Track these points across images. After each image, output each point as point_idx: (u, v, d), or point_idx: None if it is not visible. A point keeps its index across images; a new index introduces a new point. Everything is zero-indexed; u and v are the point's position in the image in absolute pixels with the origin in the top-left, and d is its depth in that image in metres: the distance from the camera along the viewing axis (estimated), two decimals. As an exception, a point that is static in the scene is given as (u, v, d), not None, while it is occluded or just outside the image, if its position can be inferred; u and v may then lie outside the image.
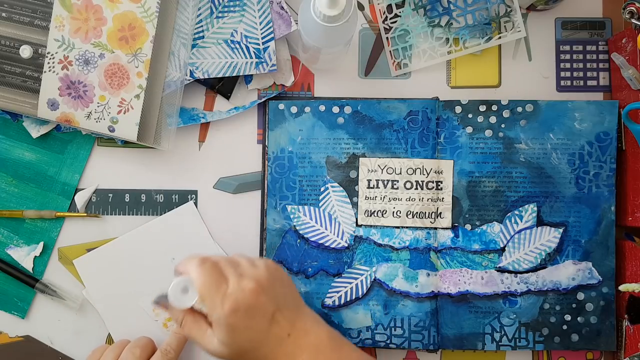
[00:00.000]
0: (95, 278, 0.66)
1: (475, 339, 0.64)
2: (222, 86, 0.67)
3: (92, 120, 0.63)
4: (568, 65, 0.68)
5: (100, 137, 0.67)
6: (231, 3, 0.65)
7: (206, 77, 0.65)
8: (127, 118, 0.63)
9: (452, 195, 0.65)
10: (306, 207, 0.65)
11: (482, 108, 0.65)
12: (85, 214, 0.67)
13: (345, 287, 0.65)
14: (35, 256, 0.66)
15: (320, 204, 0.65)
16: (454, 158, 0.65)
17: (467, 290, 0.64)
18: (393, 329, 0.65)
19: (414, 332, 0.64)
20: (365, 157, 0.65)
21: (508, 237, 0.64)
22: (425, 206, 0.65)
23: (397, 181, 0.65)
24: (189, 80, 0.65)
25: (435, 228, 0.65)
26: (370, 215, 0.65)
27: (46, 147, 0.67)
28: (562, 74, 0.68)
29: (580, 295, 0.64)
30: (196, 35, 0.65)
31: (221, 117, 0.67)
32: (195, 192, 0.67)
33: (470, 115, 0.65)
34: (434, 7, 0.67)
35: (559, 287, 0.64)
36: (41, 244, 0.66)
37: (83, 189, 0.67)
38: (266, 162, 0.66)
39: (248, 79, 0.67)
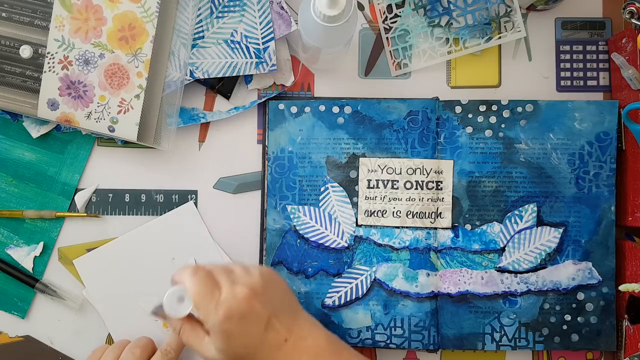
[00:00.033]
0: (95, 278, 0.66)
1: (475, 339, 0.64)
2: (222, 86, 0.67)
3: (92, 120, 0.63)
4: (568, 65, 0.68)
5: (100, 137, 0.67)
6: (231, 3, 0.65)
7: (206, 77, 0.65)
8: (127, 118, 0.63)
9: (452, 195, 0.65)
10: (306, 207, 0.65)
11: (482, 108, 0.65)
12: (85, 214, 0.67)
13: (345, 287, 0.65)
14: (35, 256, 0.66)
15: (320, 204, 0.65)
16: (454, 158, 0.65)
17: (467, 290, 0.64)
18: (393, 329, 0.65)
19: (414, 332, 0.64)
20: (365, 157, 0.65)
21: (508, 237, 0.64)
22: (425, 206, 0.65)
23: (397, 181, 0.65)
24: (189, 80, 0.65)
25: (435, 228, 0.65)
26: (370, 215, 0.65)
27: (46, 147, 0.67)
28: (562, 74, 0.68)
29: (580, 295, 0.64)
30: (196, 35, 0.65)
31: (221, 117, 0.67)
32: (195, 192, 0.67)
33: (470, 115, 0.65)
34: (434, 7, 0.67)
35: (559, 287, 0.64)
36: (41, 244, 0.66)
37: (83, 189, 0.67)
38: (266, 162, 0.66)
39: (248, 79, 0.67)
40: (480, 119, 0.65)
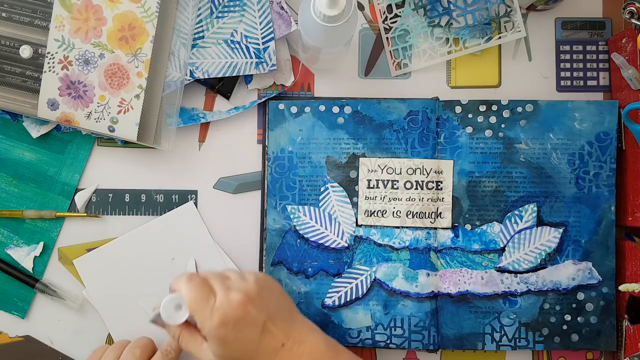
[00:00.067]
0: (95, 278, 0.66)
1: (475, 339, 0.64)
2: (222, 86, 0.67)
3: (92, 120, 0.63)
4: (568, 65, 0.68)
5: (100, 137, 0.67)
6: (231, 3, 0.65)
7: (206, 77, 0.65)
8: (127, 118, 0.63)
9: (452, 195, 0.65)
10: (306, 207, 0.65)
11: (482, 108, 0.65)
12: (85, 214, 0.67)
13: (345, 287, 0.65)
14: (35, 256, 0.66)
15: (320, 204, 0.65)
16: (454, 158, 0.65)
17: (467, 290, 0.64)
18: (393, 329, 0.65)
19: (414, 332, 0.64)
20: (365, 157, 0.65)
21: (508, 237, 0.64)
22: (425, 206, 0.65)
23: (397, 181, 0.65)
24: (189, 80, 0.65)
25: (435, 228, 0.65)
26: (370, 215, 0.65)
27: (46, 147, 0.67)
28: (562, 74, 0.68)
29: (580, 295, 0.64)
30: (196, 35, 0.65)
31: (221, 117, 0.67)
32: (195, 192, 0.67)
33: (470, 115, 0.65)
34: (434, 7, 0.67)
35: (559, 287, 0.64)
36: (41, 244, 0.66)
37: (83, 189, 0.67)
38: (266, 162, 0.66)
39: (248, 79, 0.67)
40: (480, 119, 0.65)
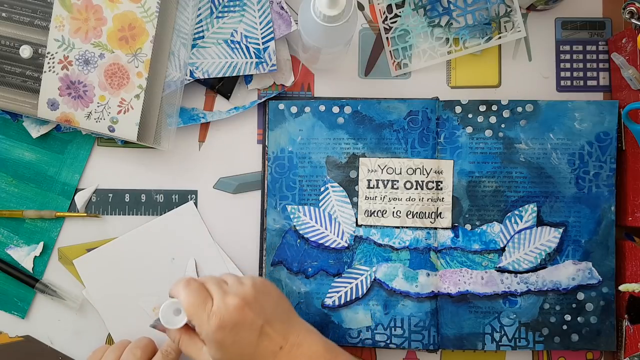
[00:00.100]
0: (95, 278, 0.66)
1: (475, 339, 0.64)
2: (222, 86, 0.67)
3: (92, 120, 0.63)
4: (568, 65, 0.68)
5: (100, 137, 0.67)
6: (231, 3, 0.65)
7: (206, 77, 0.65)
8: (127, 118, 0.63)
9: (452, 195, 0.65)
10: (306, 207, 0.65)
11: (482, 108, 0.65)
12: (85, 214, 0.67)
13: (345, 287, 0.65)
14: (35, 256, 0.66)
15: (320, 204, 0.65)
16: (454, 158, 0.65)
17: (467, 290, 0.64)
18: (393, 329, 0.65)
19: (414, 332, 0.64)
20: (365, 157, 0.65)
21: (508, 237, 0.64)
22: (425, 206, 0.65)
23: (397, 181, 0.65)
24: (189, 80, 0.65)
25: (435, 228, 0.65)
26: (370, 215, 0.65)
27: (46, 147, 0.67)
28: (562, 74, 0.68)
29: (580, 295, 0.64)
30: (196, 35, 0.65)
31: (221, 117, 0.67)
32: (195, 192, 0.67)
33: (470, 115, 0.65)
34: (434, 7, 0.67)
35: (559, 287, 0.64)
36: (41, 244, 0.66)
37: (83, 189, 0.67)
38: (266, 162, 0.66)
39: (248, 79, 0.67)
40: (480, 119, 0.65)
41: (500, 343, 0.64)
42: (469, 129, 0.65)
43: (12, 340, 0.66)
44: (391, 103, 0.65)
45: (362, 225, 0.65)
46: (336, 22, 0.54)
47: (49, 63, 0.62)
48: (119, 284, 0.66)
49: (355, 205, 0.65)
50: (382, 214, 0.65)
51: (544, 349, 0.65)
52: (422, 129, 0.65)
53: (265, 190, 0.66)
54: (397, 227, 0.65)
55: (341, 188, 0.65)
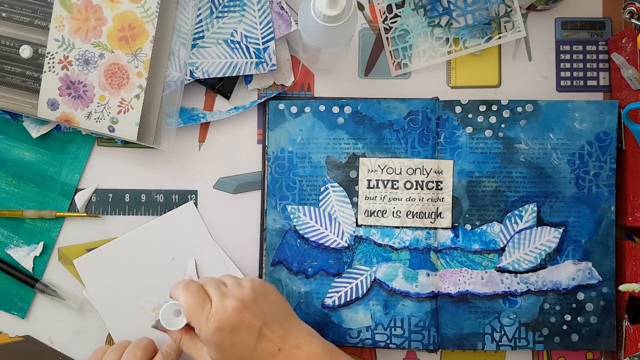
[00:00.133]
0: (95, 278, 0.66)
1: (475, 339, 0.64)
2: (222, 86, 0.67)
3: (92, 120, 0.63)
4: (568, 65, 0.68)
5: (100, 137, 0.67)
6: (231, 3, 0.65)
7: (206, 77, 0.65)
8: (127, 118, 0.63)
9: (452, 195, 0.65)
10: (306, 207, 0.65)
11: (482, 108, 0.65)
12: (85, 214, 0.67)
13: (345, 287, 0.65)
14: (35, 256, 0.66)
15: (320, 204, 0.65)
16: (454, 158, 0.65)
17: (467, 290, 0.64)
18: (393, 329, 0.65)
19: (414, 332, 0.64)
20: (365, 157, 0.65)
21: (508, 237, 0.64)
22: (425, 206, 0.65)
23: (397, 181, 0.65)
24: (189, 80, 0.65)
25: (435, 228, 0.65)
26: (370, 215, 0.65)
27: (46, 147, 0.67)
28: (562, 74, 0.68)
29: (580, 295, 0.64)
30: (196, 35, 0.65)
31: (221, 117, 0.67)
32: (195, 192, 0.67)
33: (470, 115, 0.65)
34: (434, 7, 0.67)
35: (559, 287, 0.64)
36: (41, 244, 0.66)
37: (83, 189, 0.67)
38: (266, 162, 0.66)
39: (248, 79, 0.67)
40: (480, 119, 0.65)
41: (500, 343, 0.64)
42: (469, 129, 0.65)
43: (12, 340, 0.66)
44: (391, 103, 0.65)
45: (362, 225, 0.65)
46: (336, 22, 0.54)
47: (49, 63, 0.62)
48: (119, 284, 0.66)
49: (355, 205, 0.65)
50: (382, 214, 0.65)
51: (544, 349, 0.65)
52: (422, 129, 0.65)
53: (265, 190, 0.66)
54: (397, 227, 0.65)
55: (341, 188, 0.65)
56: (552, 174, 0.64)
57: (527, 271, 0.64)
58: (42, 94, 0.63)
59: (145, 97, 0.63)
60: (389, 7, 0.67)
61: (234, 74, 0.65)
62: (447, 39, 0.67)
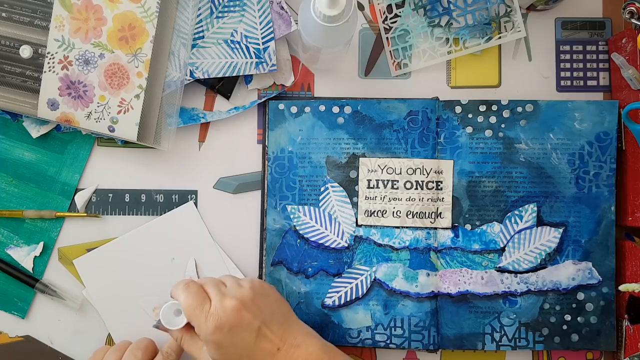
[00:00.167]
0: (95, 278, 0.66)
1: (475, 339, 0.64)
2: (222, 86, 0.67)
3: (92, 120, 0.63)
4: (568, 65, 0.68)
5: (100, 137, 0.67)
6: (231, 3, 0.65)
7: (206, 77, 0.65)
8: (127, 118, 0.63)
9: (452, 195, 0.65)
10: (306, 207, 0.65)
11: (482, 108, 0.65)
12: (85, 214, 0.67)
13: (345, 287, 0.65)
14: (35, 256, 0.66)
15: (320, 204, 0.65)
16: (454, 158, 0.65)
17: (467, 290, 0.64)
18: (393, 329, 0.65)
19: (414, 332, 0.64)
20: (365, 157, 0.65)
21: (508, 237, 0.64)
22: (425, 206, 0.65)
23: (397, 181, 0.65)
24: (189, 80, 0.65)
25: (435, 228, 0.65)
26: (370, 215, 0.65)
27: (46, 147, 0.67)
28: (562, 74, 0.68)
29: (580, 295, 0.64)
30: (196, 35, 0.65)
31: (221, 117, 0.67)
32: (195, 192, 0.67)
33: (470, 115, 0.65)
34: (434, 7, 0.67)
35: (559, 287, 0.64)
36: (41, 244, 0.66)
37: (83, 189, 0.67)
38: (266, 162, 0.66)
39: (248, 79, 0.67)
40: (480, 119, 0.65)
41: (500, 343, 0.64)
42: (469, 129, 0.65)
43: (12, 340, 0.66)
44: (391, 103, 0.65)
45: (362, 225, 0.65)
46: (336, 22, 0.54)
47: (49, 63, 0.62)
48: (119, 284, 0.66)
49: (355, 205, 0.65)
50: (382, 214, 0.65)
51: (544, 349, 0.65)
52: (422, 129, 0.65)
53: (265, 190, 0.66)
54: (397, 227, 0.65)
55: (341, 188, 0.65)
56: (552, 174, 0.64)
57: (527, 271, 0.64)
58: (42, 94, 0.63)
59: (145, 97, 0.63)
60: (389, 7, 0.67)
61: (234, 74, 0.65)
62: (447, 39, 0.67)
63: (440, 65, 0.68)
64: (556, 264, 0.64)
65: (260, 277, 0.66)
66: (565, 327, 0.64)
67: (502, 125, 0.65)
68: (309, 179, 0.65)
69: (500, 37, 0.67)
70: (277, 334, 0.56)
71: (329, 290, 0.65)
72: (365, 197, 0.65)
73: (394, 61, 0.68)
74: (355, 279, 0.65)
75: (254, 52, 0.65)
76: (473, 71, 0.68)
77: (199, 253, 0.66)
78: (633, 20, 0.60)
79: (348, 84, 0.68)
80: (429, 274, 0.64)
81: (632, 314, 0.62)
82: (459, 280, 0.64)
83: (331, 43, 0.59)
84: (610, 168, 0.64)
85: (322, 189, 0.65)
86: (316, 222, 0.65)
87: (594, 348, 0.64)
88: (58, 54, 0.62)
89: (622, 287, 0.60)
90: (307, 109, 0.65)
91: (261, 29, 0.65)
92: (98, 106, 0.63)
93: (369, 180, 0.65)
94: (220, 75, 0.65)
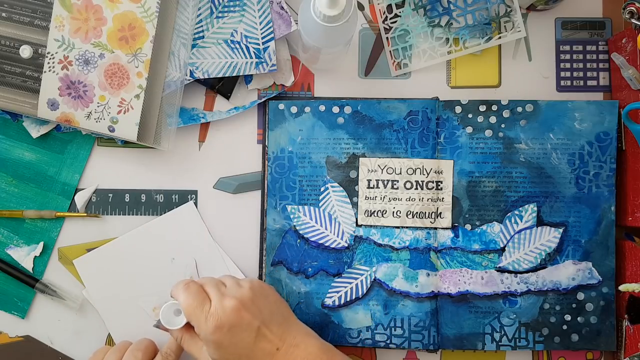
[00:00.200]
0: (95, 278, 0.66)
1: (475, 339, 0.64)
2: (222, 86, 0.67)
3: (92, 120, 0.63)
4: (568, 65, 0.68)
5: (100, 137, 0.67)
6: (231, 3, 0.65)
7: (206, 77, 0.65)
8: (127, 118, 0.63)
9: (452, 195, 0.65)
10: (306, 207, 0.65)
11: (482, 108, 0.65)
12: (85, 214, 0.67)
13: (345, 287, 0.65)
14: (35, 256, 0.66)
15: (320, 204, 0.65)
16: (454, 158, 0.65)
17: (467, 290, 0.64)
18: (393, 329, 0.65)
19: (414, 332, 0.64)
20: (365, 157, 0.65)
21: (508, 237, 0.64)
22: (425, 206, 0.65)
23: (397, 181, 0.65)
24: (189, 80, 0.65)
25: (435, 228, 0.65)
26: (370, 215, 0.65)
27: (46, 147, 0.67)
28: (562, 74, 0.68)
29: (580, 295, 0.64)
30: (196, 35, 0.65)
31: (221, 117, 0.67)
32: (195, 192, 0.67)
33: (470, 115, 0.65)
34: (434, 7, 0.67)
35: (559, 287, 0.64)
36: (41, 244, 0.66)
37: (83, 189, 0.67)
38: (266, 162, 0.66)
39: (248, 79, 0.67)
40: (480, 119, 0.65)
41: (500, 343, 0.64)
42: (469, 129, 0.65)
43: (12, 340, 0.66)
44: (391, 103, 0.65)
45: (362, 225, 0.65)
46: (336, 22, 0.54)
47: (49, 63, 0.62)
48: (119, 284, 0.66)
49: (355, 205, 0.65)
50: (382, 214, 0.65)
51: (544, 349, 0.65)
52: (422, 129, 0.65)
53: (265, 190, 0.66)
54: (397, 227, 0.65)
55: (341, 188, 0.65)
56: (552, 174, 0.64)
57: (527, 271, 0.64)
58: (42, 94, 0.63)
59: (145, 97, 0.63)
60: (389, 7, 0.67)
61: (234, 74, 0.65)
62: (447, 39, 0.67)
63: (440, 65, 0.68)
64: (556, 264, 0.64)
65: (260, 277, 0.66)
66: (565, 327, 0.64)
67: (502, 125, 0.65)
68: (309, 179, 0.65)
69: (500, 37, 0.67)
70: (277, 334, 0.57)
71: (329, 290, 0.65)
72: (365, 197, 0.65)
73: (394, 61, 0.68)
74: (355, 279, 0.65)
75: (254, 52, 0.65)
76: (473, 71, 0.68)
77: (199, 253, 0.66)
78: (633, 20, 0.60)
79: (348, 84, 0.68)
80: (429, 274, 0.64)
81: (632, 314, 0.62)
82: (459, 280, 0.64)
83: (331, 43, 0.59)
84: (610, 168, 0.64)
85: (322, 189, 0.65)
86: (316, 222, 0.65)
87: (594, 348, 0.64)
88: (58, 54, 0.62)
89: (622, 287, 0.60)
90: (307, 109, 0.65)
91: (261, 29, 0.65)
92: (98, 106, 0.63)
93: (369, 180, 0.65)
94: (220, 75, 0.65)
